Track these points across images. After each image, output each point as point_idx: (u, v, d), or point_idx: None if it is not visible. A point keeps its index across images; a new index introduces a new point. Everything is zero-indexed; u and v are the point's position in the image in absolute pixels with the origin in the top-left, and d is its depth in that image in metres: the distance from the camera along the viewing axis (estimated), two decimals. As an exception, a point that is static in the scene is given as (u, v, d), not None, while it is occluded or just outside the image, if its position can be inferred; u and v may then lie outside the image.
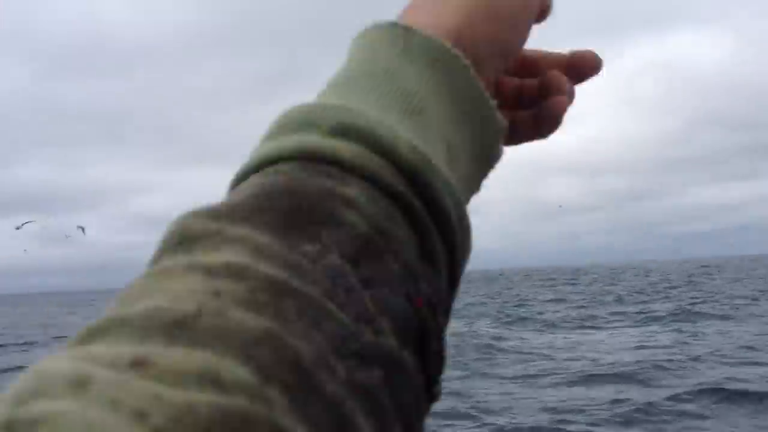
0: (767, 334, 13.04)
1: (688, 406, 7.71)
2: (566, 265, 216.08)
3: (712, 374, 9.34)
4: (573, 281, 49.62)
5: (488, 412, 8.01)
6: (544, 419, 7.47)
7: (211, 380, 0.23)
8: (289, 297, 0.27)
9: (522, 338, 14.93)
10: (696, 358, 10.60)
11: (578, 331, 16.20)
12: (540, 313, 21.22)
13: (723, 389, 8.20)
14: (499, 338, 14.61)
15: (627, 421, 7.30)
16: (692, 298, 23.79)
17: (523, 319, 19.50)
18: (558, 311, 21.84)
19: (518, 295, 33.85)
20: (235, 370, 0.24)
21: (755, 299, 22.20)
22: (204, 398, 0.22)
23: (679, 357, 10.80)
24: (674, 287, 32.76)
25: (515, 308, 24.10)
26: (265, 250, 0.29)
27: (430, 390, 0.34)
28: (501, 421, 7.52)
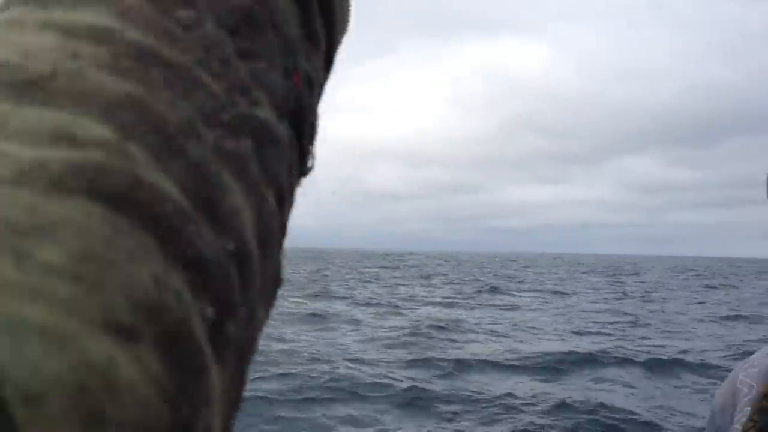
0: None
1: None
2: (385, 249, 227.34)
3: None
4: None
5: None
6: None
7: (67, 138, 0.21)
8: (157, 65, 0.25)
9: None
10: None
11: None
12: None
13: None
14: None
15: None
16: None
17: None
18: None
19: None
20: (93, 128, 0.22)
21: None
22: (57, 155, 0.21)
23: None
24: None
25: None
26: (133, 12, 0.26)
27: (304, 162, 0.34)
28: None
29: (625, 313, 18.32)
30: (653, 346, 11.75)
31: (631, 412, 7.17)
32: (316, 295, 21.11)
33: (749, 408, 0.82)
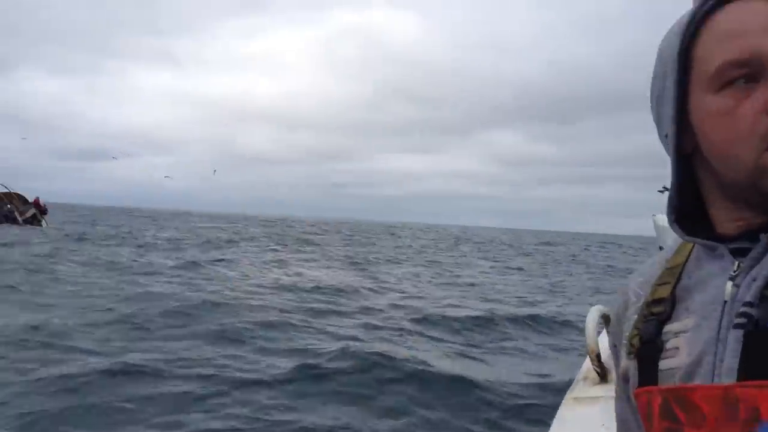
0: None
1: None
2: (256, 214, 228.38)
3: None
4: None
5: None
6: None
7: None
8: None
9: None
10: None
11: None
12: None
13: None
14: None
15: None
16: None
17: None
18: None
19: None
20: None
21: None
22: None
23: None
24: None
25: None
26: None
27: None
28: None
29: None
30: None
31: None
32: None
33: (636, 317, 0.85)
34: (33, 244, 21.24)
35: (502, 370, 7.31)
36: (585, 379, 2.02)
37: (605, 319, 1.90)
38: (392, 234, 63.38)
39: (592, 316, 1.91)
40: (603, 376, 1.94)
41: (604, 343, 1.87)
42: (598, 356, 1.91)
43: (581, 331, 2.15)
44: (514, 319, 10.68)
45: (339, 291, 13.07)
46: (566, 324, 10.53)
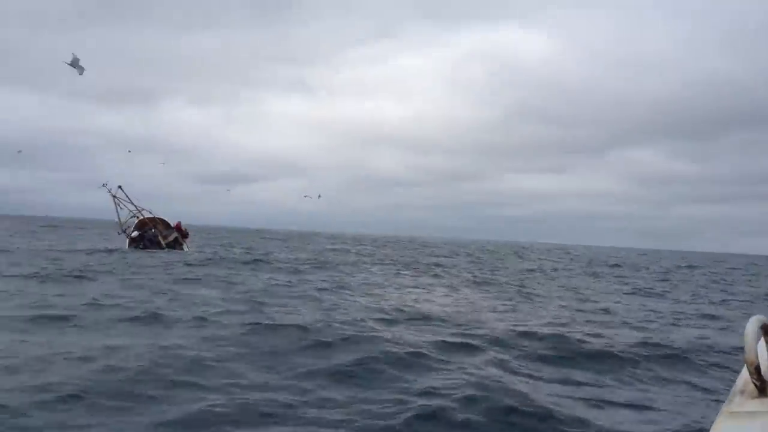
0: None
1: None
2: (388, 234, 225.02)
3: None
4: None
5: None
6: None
7: None
8: None
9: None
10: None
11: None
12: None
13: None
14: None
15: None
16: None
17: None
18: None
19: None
20: None
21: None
22: None
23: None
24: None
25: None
26: None
27: None
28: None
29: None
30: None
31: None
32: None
33: None
34: (175, 266, 22.27)
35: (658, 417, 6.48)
36: (742, 392, 1.88)
37: (765, 330, 1.86)
38: (520, 256, 61.52)
39: (752, 326, 1.81)
40: (762, 389, 1.82)
41: (763, 354, 1.85)
42: (758, 368, 1.79)
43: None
44: (668, 356, 9.70)
45: (471, 321, 12.49)
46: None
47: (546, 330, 11.43)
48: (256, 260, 26.86)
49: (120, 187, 33.07)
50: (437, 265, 33.56)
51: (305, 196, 42.79)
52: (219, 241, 54.16)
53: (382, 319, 11.88)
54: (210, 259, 27.14)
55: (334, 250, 48.27)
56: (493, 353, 9.17)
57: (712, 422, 1.78)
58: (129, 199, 33.09)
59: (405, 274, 25.21)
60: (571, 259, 59.39)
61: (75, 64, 19.49)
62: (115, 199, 32.85)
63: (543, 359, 9.09)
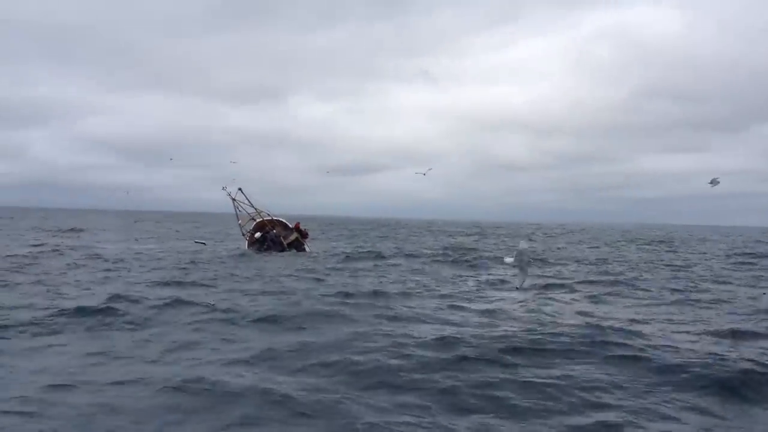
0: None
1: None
2: (512, 221, 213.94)
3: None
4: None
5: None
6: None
7: None
8: None
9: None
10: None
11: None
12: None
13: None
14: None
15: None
16: None
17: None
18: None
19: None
20: None
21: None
22: None
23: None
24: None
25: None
26: None
27: None
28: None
29: None
30: None
31: None
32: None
33: None
34: (307, 272, 19.80)
35: None
36: None
37: None
38: (671, 246, 54.38)
39: None
40: None
41: None
42: None
43: None
44: None
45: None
46: None
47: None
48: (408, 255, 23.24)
49: (240, 189, 31.36)
50: (589, 261, 28.44)
51: (416, 173, 40.72)
52: (341, 236, 51.64)
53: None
54: (339, 265, 23.98)
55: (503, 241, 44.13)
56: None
57: None
58: (249, 201, 31.14)
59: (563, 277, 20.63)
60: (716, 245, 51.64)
61: None
62: (235, 202, 30.98)
63: None
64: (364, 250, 30.87)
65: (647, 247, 44.73)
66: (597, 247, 41.84)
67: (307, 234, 30.43)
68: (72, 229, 47.92)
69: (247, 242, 30.27)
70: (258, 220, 30.91)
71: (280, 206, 32.99)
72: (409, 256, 28.03)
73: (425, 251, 31.31)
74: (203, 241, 34.02)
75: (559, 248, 39.58)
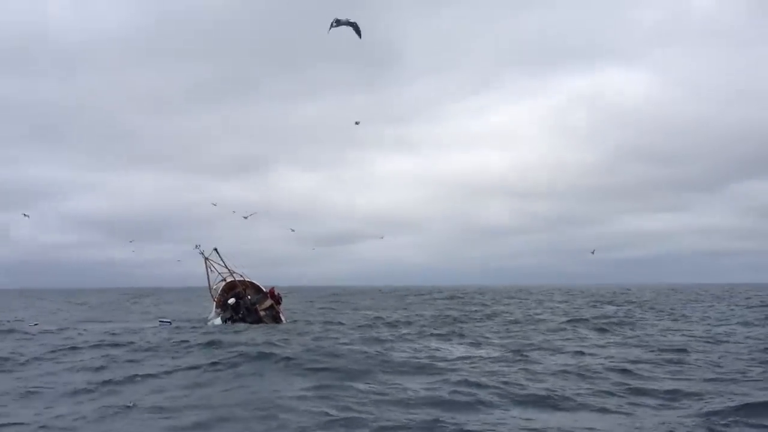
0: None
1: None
2: (500, 285, 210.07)
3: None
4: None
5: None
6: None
7: None
8: None
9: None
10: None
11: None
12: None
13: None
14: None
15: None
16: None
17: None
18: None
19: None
20: None
21: None
22: None
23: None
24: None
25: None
26: None
27: None
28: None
29: None
30: None
31: None
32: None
33: None
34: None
35: None
36: None
37: None
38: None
39: None
40: None
41: None
42: None
43: None
44: None
45: None
46: None
47: None
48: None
49: (215, 249, 29.18)
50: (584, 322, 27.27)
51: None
52: (324, 304, 49.90)
53: None
54: (316, 345, 22.29)
55: (535, 310, 42.24)
56: None
57: None
58: (222, 261, 29.03)
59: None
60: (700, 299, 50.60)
61: None
62: (207, 262, 29.02)
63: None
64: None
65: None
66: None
67: (280, 300, 27.95)
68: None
69: (214, 304, 27.94)
70: (229, 280, 28.55)
71: (267, 277, 30.81)
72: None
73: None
74: (168, 320, 30.01)
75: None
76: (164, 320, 30.06)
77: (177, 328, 25.54)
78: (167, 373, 13.14)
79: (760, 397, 10.13)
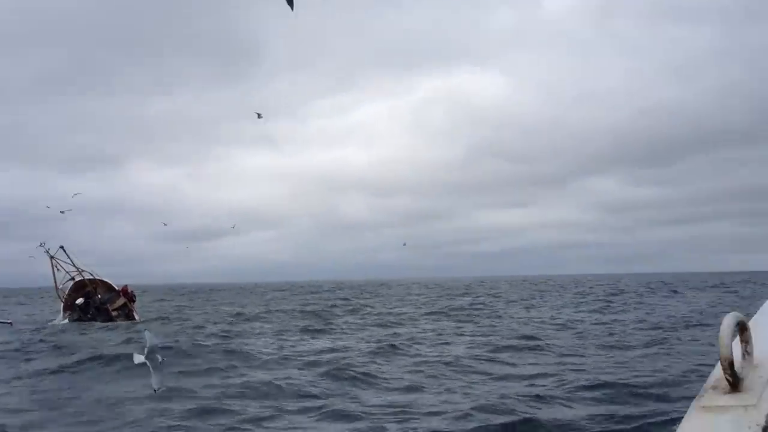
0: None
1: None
2: (364, 279, 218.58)
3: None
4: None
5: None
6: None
7: None
8: None
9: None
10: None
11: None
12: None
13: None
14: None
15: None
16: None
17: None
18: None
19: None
20: None
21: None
22: None
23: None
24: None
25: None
26: None
27: None
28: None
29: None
30: None
31: None
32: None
33: None
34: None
35: None
36: (715, 387, 1.85)
37: (741, 327, 1.85)
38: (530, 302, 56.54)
39: (728, 323, 1.77)
40: (734, 385, 1.78)
41: (737, 350, 1.83)
42: (731, 364, 1.74)
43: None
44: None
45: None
46: None
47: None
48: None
49: (62, 247, 27.21)
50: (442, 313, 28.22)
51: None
52: (176, 302, 48.29)
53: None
54: (178, 342, 21.54)
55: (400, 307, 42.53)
56: None
57: (683, 416, 1.75)
58: (70, 260, 27.17)
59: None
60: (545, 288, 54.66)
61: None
62: (53, 260, 26.97)
63: None
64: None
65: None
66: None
67: (134, 298, 26.75)
68: None
69: (63, 306, 26.19)
70: (77, 279, 27.02)
71: (120, 275, 29.04)
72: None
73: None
74: (8, 321, 27.16)
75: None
76: (3, 321, 27.23)
77: (17, 330, 23.57)
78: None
79: (606, 378, 10.88)
